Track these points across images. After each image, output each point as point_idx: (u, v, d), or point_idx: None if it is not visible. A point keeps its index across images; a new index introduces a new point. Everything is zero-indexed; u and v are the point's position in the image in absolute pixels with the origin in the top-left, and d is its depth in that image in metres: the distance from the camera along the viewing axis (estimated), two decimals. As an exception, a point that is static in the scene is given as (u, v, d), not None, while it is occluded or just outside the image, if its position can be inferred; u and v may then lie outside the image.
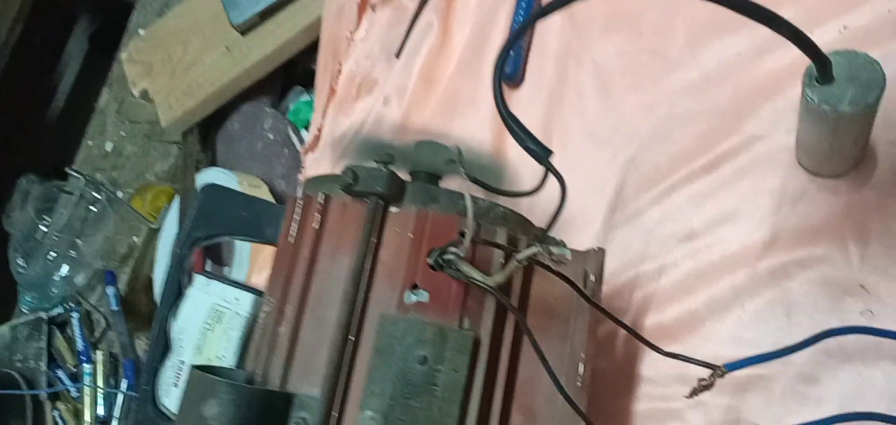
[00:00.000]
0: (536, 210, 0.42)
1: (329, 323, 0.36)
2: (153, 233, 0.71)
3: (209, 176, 0.64)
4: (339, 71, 0.62)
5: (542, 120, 0.54)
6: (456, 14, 0.59)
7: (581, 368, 0.39)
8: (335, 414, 0.35)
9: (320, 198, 0.39)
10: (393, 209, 0.38)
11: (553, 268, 0.39)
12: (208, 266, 0.66)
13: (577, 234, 0.51)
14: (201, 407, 0.33)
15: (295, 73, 0.71)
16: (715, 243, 0.46)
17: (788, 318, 0.43)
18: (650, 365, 0.46)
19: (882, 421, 0.37)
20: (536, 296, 0.41)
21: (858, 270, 0.42)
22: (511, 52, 0.55)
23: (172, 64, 0.68)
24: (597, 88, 0.53)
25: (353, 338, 0.36)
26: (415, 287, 0.37)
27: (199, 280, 0.49)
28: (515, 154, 0.54)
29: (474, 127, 0.55)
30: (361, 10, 0.61)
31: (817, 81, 0.36)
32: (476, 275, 0.35)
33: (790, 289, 0.44)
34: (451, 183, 0.40)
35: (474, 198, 0.39)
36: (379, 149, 0.41)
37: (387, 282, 0.37)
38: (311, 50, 0.65)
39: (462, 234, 0.37)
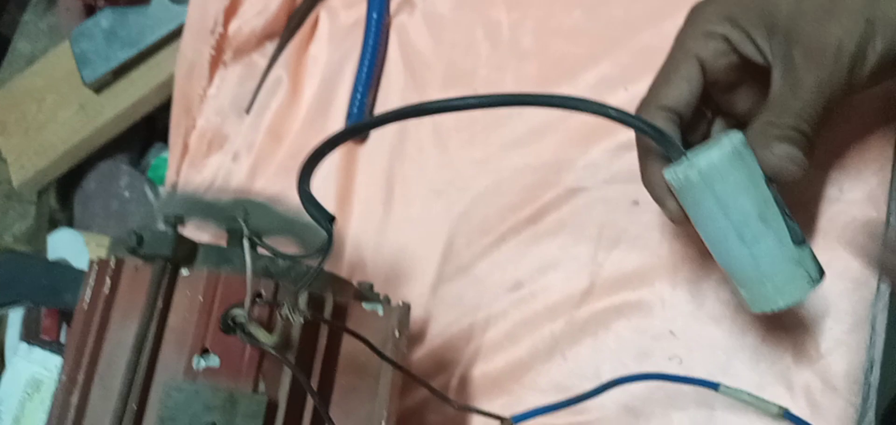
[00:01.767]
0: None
1: (114, 392, 0.35)
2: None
3: (58, 237, 0.62)
4: (193, 127, 0.62)
5: (385, 174, 0.54)
6: (305, 69, 0.60)
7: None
8: (115, 486, 0.34)
9: (112, 262, 0.38)
10: (183, 272, 0.37)
11: (350, 329, 0.39)
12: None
13: (413, 286, 0.51)
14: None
15: (155, 129, 0.70)
16: (539, 292, 0.47)
17: (602, 365, 0.44)
18: (480, 420, 0.46)
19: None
20: (346, 355, 0.41)
21: (668, 316, 0.44)
22: (355, 110, 0.56)
23: (26, 122, 0.66)
24: (435, 143, 0.54)
25: (135, 407, 0.35)
26: (205, 351, 0.36)
27: (21, 347, 0.47)
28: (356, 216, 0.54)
29: (318, 181, 0.55)
30: (213, 66, 0.61)
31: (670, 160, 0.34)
32: (259, 335, 0.35)
33: (605, 338, 0.45)
34: (286, 245, 0.40)
35: (272, 258, 0.39)
36: (195, 207, 0.40)
37: (175, 347, 0.36)
38: (169, 105, 0.64)
39: (259, 296, 0.37)
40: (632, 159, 0.47)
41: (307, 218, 0.40)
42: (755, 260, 0.32)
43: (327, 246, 0.35)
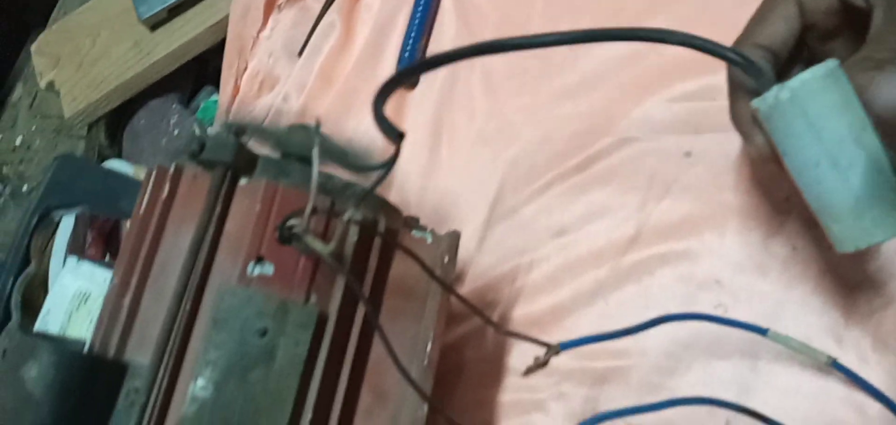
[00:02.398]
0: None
1: (167, 294, 0.36)
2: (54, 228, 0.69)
3: (109, 166, 0.63)
4: (245, 69, 0.63)
5: (433, 120, 0.55)
6: (359, 15, 0.60)
7: (429, 347, 0.39)
8: (164, 382, 0.34)
9: (172, 168, 0.39)
10: (242, 181, 0.38)
11: (404, 245, 0.39)
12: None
13: (461, 229, 0.51)
14: (21, 369, 0.32)
15: (207, 71, 0.71)
16: (583, 238, 0.47)
17: (646, 311, 0.43)
18: (518, 357, 0.47)
19: (711, 404, 0.38)
20: (394, 277, 0.41)
21: (715, 266, 0.43)
22: (406, 55, 0.56)
23: (80, 56, 0.68)
24: (484, 91, 0.54)
25: (189, 308, 0.35)
26: (259, 260, 0.37)
27: (70, 262, 0.48)
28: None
29: (367, 125, 0.56)
30: (267, 10, 0.62)
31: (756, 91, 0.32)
32: (315, 244, 0.35)
33: (650, 284, 0.45)
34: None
35: (329, 175, 0.40)
36: (254, 129, 0.41)
37: (230, 253, 0.37)
38: (221, 48, 0.65)
39: (315, 210, 0.37)
40: (685, 111, 0.47)
41: (359, 148, 0.40)
42: (851, 188, 0.30)
43: (393, 159, 0.35)
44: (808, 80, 0.30)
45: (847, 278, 0.41)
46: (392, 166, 0.35)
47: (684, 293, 0.43)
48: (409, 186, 0.54)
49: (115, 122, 0.72)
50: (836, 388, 0.40)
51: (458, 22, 0.56)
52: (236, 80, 0.63)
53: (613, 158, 0.48)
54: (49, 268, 0.51)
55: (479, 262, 0.50)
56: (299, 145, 0.40)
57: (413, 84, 0.56)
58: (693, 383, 0.42)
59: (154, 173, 0.39)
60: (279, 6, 0.62)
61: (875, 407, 0.39)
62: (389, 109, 0.57)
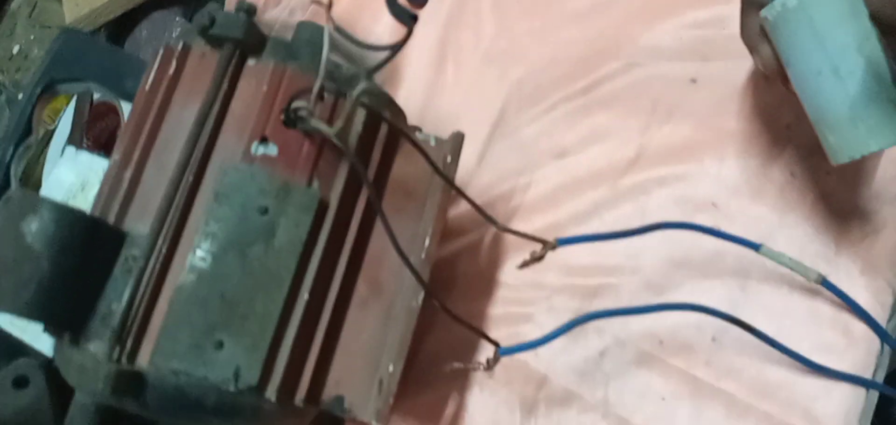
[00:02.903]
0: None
1: (170, 167, 0.36)
2: (50, 135, 0.69)
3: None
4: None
5: (440, 41, 0.55)
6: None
7: (427, 241, 0.39)
8: (163, 250, 0.35)
9: (180, 46, 0.38)
10: (250, 62, 0.38)
11: (410, 136, 0.39)
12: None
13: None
14: (21, 222, 0.32)
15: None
16: (584, 160, 0.48)
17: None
18: (509, 272, 0.47)
19: (701, 311, 0.39)
20: (396, 176, 0.41)
21: (712, 189, 0.44)
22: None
23: (82, -38, 0.67)
24: (493, 11, 0.54)
25: (191, 181, 0.35)
26: (264, 140, 0.37)
27: (68, 151, 0.48)
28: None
29: (380, 29, 0.56)
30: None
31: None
32: (320, 125, 0.35)
33: (646, 203, 0.45)
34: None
35: (337, 64, 0.40)
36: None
37: (235, 131, 0.37)
38: (226, -37, 0.64)
39: (321, 96, 0.37)
40: (694, 38, 0.47)
41: (367, 42, 0.40)
42: (850, 96, 0.31)
43: (404, 40, 0.35)
44: None
45: (841, 205, 0.41)
46: (402, 45, 0.36)
47: (680, 213, 0.44)
48: (412, 103, 0.54)
49: (117, 34, 0.71)
50: (824, 309, 0.40)
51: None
52: (242, -8, 0.62)
53: (619, 82, 0.48)
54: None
55: (479, 180, 0.50)
56: (309, 34, 0.40)
57: (421, 3, 0.56)
58: (684, 299, 0.43)
59: (161, 51, 0.39)
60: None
61: (860, 327, 0.40)
62: (395, 28, 0.57)
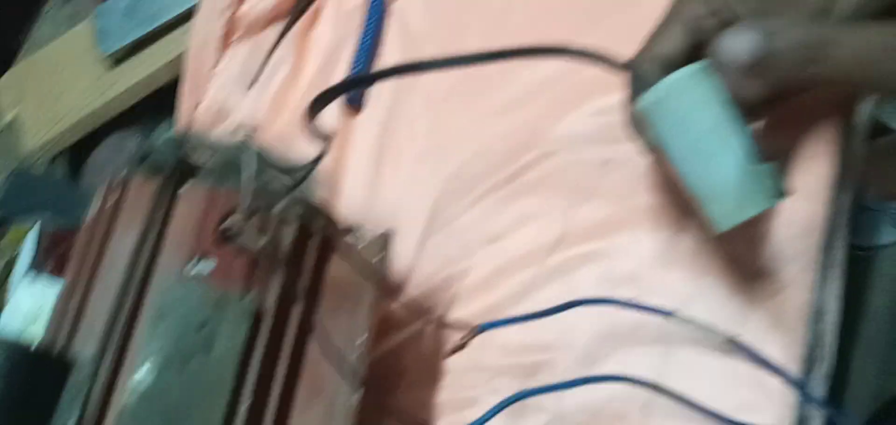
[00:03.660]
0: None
1: (113, 291, 0.39)
2: (12, 262, 0.71)
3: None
4: (200, 101, 0.66)
5: (378, 141, 0.58)
6: (308, 49, 0.64)
7: (359, 340, 0.41)
8: (106, 374, 0.37)
9: (121, 177, 0.41)
10: (185, 187, 0.41)
11: (337, 243, 0.42)
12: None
13: (400, 242, 0.54)
14: (-34, 361, 0.34)
15: (165, 106, 0.74)
16: (514, 244, 0.50)
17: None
18: (453, 358, 0.49)
19: (625, 381, 0.41)
20: (332, 278, 0.44)
21: (631, 263, 0.47)
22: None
23: (43, 92, 0.70)
24: (425, 112, 0.57)
25: (132, 303, 0.38)
26: (200, 257, 0.39)
27: (26, 278, 0.50)
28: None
29: (316, 149, 0.59)
30: (223, 44, 0.66)
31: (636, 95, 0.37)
32: (250, 241, 0.38)
33: (572, 281, 0.48)
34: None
35: (267, 182, 0.43)
36: (200, 144, 0.44)
37: (173, 252, 0.40)
38: (178, 84, 0.68)
39: (254, 212, 0.40)
40: (603, 123, 0.51)
41: (290, 158, 0.43)
42: (714, 176, 0.34)
43: (319, 158, 0.39)
44: (676, 79, 0.34)
45: (749, 266, 0.44)
46: (317, 163, 0.39)
47: (604, 289, 0.47)
48: (354, 203, 0.57)
49: (78, 157, 0.74)
50: (742, 368, 0.43)
51: (400, 50, 0.60)
52: (191, 113, 0.66)
53: (541, 169, 0.51)
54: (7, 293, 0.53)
55: (419, 272, 0.53)
56: (236, 156, 0.43)
57: (358, 108, 0.60)
58: (613, 370, 0.45)
59: (106, 183, 0.42)
60: (233, 41, 0.66)
61: (774, 381, 0.42)
62: (336, 132, 0.61)
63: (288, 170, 0.42)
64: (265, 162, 0.41)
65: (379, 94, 0.60)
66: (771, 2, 0.36)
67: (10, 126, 0.72)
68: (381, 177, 0.57)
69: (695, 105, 0.34)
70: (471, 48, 0.57)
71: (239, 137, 0.44)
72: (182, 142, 0.41)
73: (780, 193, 0.35)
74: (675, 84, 0.34)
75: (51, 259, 0.56)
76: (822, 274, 0.46)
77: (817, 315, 0.45)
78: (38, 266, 0.54)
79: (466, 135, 0.55)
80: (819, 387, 0.47)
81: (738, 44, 0.34)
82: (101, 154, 0.72)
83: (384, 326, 0.52)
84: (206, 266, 0.39)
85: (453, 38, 0.58)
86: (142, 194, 0.41)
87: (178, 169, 0.40)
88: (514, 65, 0.55)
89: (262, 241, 0.37)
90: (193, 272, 0.39)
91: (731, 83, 0.35)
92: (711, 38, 0.38)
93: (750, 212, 0.34)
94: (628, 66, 0.36)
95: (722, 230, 0.36)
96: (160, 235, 0.40)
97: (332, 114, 0.59)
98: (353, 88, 0.50)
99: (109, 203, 0.41)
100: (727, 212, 0.35)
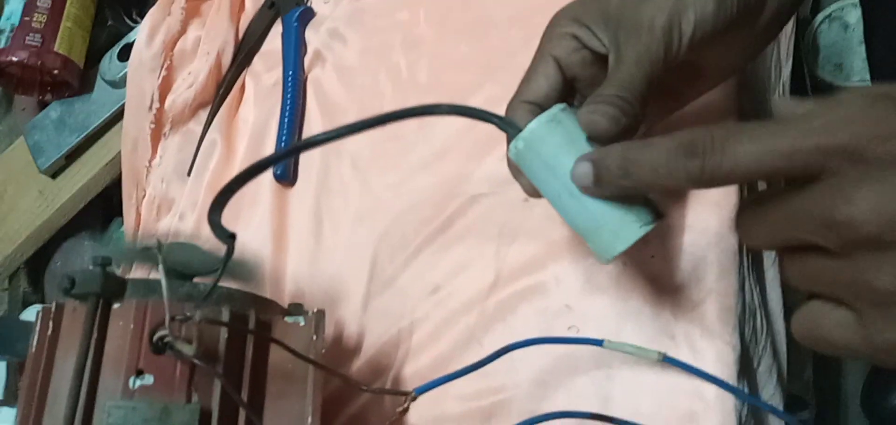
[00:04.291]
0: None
1: (60, 418, 0.40)
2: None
3: (29, 313, 0.66)
4: (143, 197, 0.67)
5: (314, 210, 0.60)
6: (236, 130, 0.66)
7: (307, 422, 0.43)
8: (64, 503, 0.38)
9: (53, 306, 0.43)
10: (115, 305, 0.42)
11: (272, 335, 0.44)
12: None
13: (347, 305, 0.55)
14: None
15: (112, 205, 0.75)
16: (454, 291, 0.52)
17: (510, 347, 0.48)
18: (414, 414, 0.50)
19: (567, 417, 0.42)
20: (274, 364, 0.45)
21: (562, 294, 0.48)
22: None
23: (-10, 217, 0.72)
24: (354, 176, 0.59)
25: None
26: (140, 372, 0.41)
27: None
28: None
29: (255, 227, 0.61)
30: (154, 139, 0.67)
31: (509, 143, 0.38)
32: (183, 348, 0.39)
33: (512, 321, 0.49)
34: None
35: (194, 285, 0.44)
36: (130, 253, 0.45)
37: (113, 371, 0.41)
38: (121, 182, 0.69)
39: (183, 318, 0.42)
40: (520, 162, 0.53)
41: (207, 256, 0.44)
42: (588, 212, 0.35)
43: (226, 259, 0.40)
44: (534, 127, 0.36)
45: (670, 281, 0.46)
46: (225, 264, 0.40)
47: (542, 323, 0.48)
48: (300, 273, 0.59)
49: (36, 269, 0.75)
50: (680, 381, 0.44)
51: (323, 120, 0.62)
52: (137, 208, 0.67)
53: (468, 216, 0.53)
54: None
55: (371, 333, 0.54)
56: (153, 265, 0.44)
57: (291, 182, 0.61)
58: (562, 403, 0.46)
59: (40, 313, 0.43)
60: (164, 134, 0.67)
61: (712, 389, 0.44)
62: (274, 204, 0.62)
63: (215, 266, 0.43)
64: (189, 264, 0.43)
65: (309, 164, 0.61)
66: (624, 30, 0.37)
67: (-38, 253, 0.73)
68: (322, 244, 0.58)
69: (557, 148, 0.35)
70: (386, 103, 0.61)
71: (156, 244, 0.45)
72: (104, 262, 0.42)
73: (654, 217, 0.35)
74: (535, 131, 0.36)
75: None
76: (749, 272, 0.48)
77: (748, 315, 0.46)
78: (8, 396, 0.55)
79: (394, 193, 0.57)
80: (768, 382, 0.49)
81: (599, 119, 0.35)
82: (57, 262, 0.73)
83: (344, 394, 0.53)
84: (146, 379, 0.40)
85: (372, 102, 0.60)
86: (76, 319, 0.42)
87: (106, 289, 0.41)
88: (429, 120, 0.57)
89: (192, 349, 0.39)
90: (136, 387, 0.40)
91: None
92: (579, 73, 0.40)
93: (626, 243, 0.35)
94: (496, 119, 0.37)
95: (605, 261, 0.36)
96: (98, 357, 0.41)
97: (266, 191, 0.61)
98: (247, 180, 0.51)
99: (47, 332, 0.42)
100: (606, 246, 0.35)
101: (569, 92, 0.40)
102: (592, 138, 0.36)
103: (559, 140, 0.35)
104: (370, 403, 0.52)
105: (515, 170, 0.40)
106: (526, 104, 0.39)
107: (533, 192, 0.40)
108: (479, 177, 0.53)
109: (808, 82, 1.08)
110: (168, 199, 0.66)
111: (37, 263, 0.75)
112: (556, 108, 0.36)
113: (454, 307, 0.52)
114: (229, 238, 0.40)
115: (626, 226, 0.35)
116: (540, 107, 0.39)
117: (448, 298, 0.52)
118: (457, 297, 0.52)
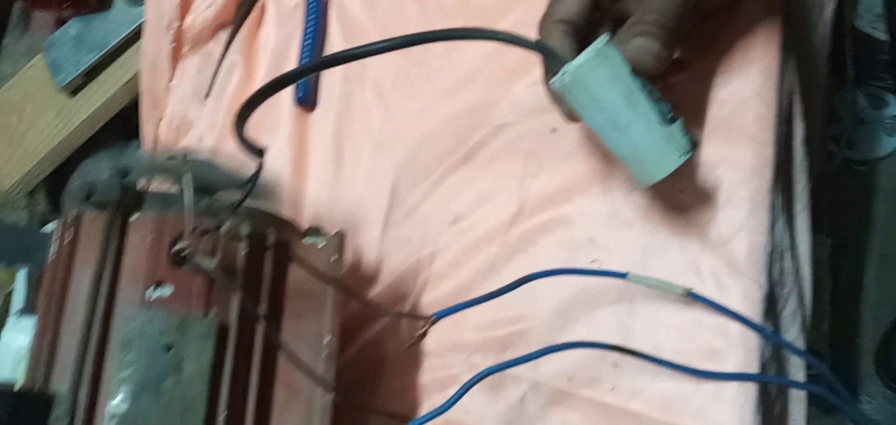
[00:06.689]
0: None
1: (78, 326, 0.39)
2: (8, 297, 0.72)
3: (49, 229, 0.66)
4: (161, 117, 0.66)
5: (334, 137, 0.59)
6: (257, 52, 0.64)
7: (325, 340, 0.42)
8: (84, 405, 0.38)
9: (72, 215, 0.42)
10: (133, 217, 0.41)
11: (293, 252, 0.43)
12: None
13: (366, 233, 0.55)
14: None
15: (130, 127, 0.74)
16: (476, 222, 0.51)
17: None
18: (430, 339, 0.50)
19: (589, 347, 0.42)
20: (294, 283, 0.45)
21: (588, 226, 0.47)
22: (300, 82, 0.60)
23: (9, 132, 0.71)
24: (377, 103, 0.58)
25: (98, 335, 0.39)
26: (158, 284, 0.40)
27: (11, 319, 0.52)
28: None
29: (273, 152, 0.60)
30: (173, 59, 0.66)
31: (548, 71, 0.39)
32: (203, 261, 0.39)
33: (535, 252, 0.49)
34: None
35: (214, 198, 0.43)
36: (150, 166, 0.45)
37: (131, 282, 0.40)
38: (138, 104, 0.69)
39: (205, 230, 0.41)
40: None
41: (230, 170, 0.43)
42: (631, 142, 0.37)
43: (256, 175, 0.39)
44: (582, 62, 0.36)
45: (699, 215, 0.45)
46: (256, 180, 0.39)
47: (565, 256, 0.47)
48: (319, 200, 0.58)
49: (54, 188, 0.75)
50: (703, 318, 0.44)
51: (345, 43, 0.60)
52: (155, 129, 0.66)
53: (492, 145, 0.52)
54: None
55: (389, 261, 0.54)
56: (177, 178, 0.44)
57: (311, 106, 0.60)
58: (581, 334, 0.46)
59: (59, 223, 0.43)
60: (183, 55, 0.66)
61: (736, 327, 0.43)
62: (293, 130, 0.61)
63: (236, 183, 0.42)
64: (209, 180, 0.42)
65: (330, 89, 0.60)
66: None
67: (-19, 171, 0.73)
68: (342, 171, 0.58)
69: (603, 82, 0.36)
70: (411, 24, 0.59)
71: (179, 157, 0.44)
72: (124, 172, 0.41)
73: (692, 146, 0.37)
74: (582, 66, 0.36)
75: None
76: (780, 213, 0.47)
77: (777, 255, 0.45)
78: (28, 305, 0.55)
79: (419, 119, 0.56)
80: (791, 326, 0.48)
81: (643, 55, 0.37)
82: (76, 182, 0.73)
83: (361, 320, 0.53)
84: (164, 290, 0.40)
85: (396, 24, 0.58)
86: (94, 229, 0.41)
87: (125, 200, 0.41)
88: (455, 46, 0.55)
89: (214, 263, 0.38)
90: (154, 298, 0.40)
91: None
92: None
93: (666, 171, 0.37)
94: (537, 45, 0.36)
95: (646, 185, 0.39)
96: (116, 267, 0.40)
97: (286, 116, 0.60)
98: (271, 93, 0.49)
99: (66, 242, 0.42)
100: (648, 173, 0.38)
101: (596, 7, 0.39)
102: (637, 73, 0.36)
103: (605, 74, 0.36)
104: (387, 330, 0.52)
105: (557, 97, 0.39)
106: (558, 24, 0.38)
107: (572, 119, 0.39)
108: (505, 106, 0.52)
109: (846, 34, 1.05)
110: (187, 121, 0.65)
111: (55, 182, 0.75)
112: (601, 41, 0.36)
113: (475, 237, 0.51)
114: (258, 153, 0.39)
115: (667, 156, 0.37)
116: (572, 26, 0.38)
117: (469, 228, 0.51)
118: (479, 228, 0.51)
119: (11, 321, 0.51)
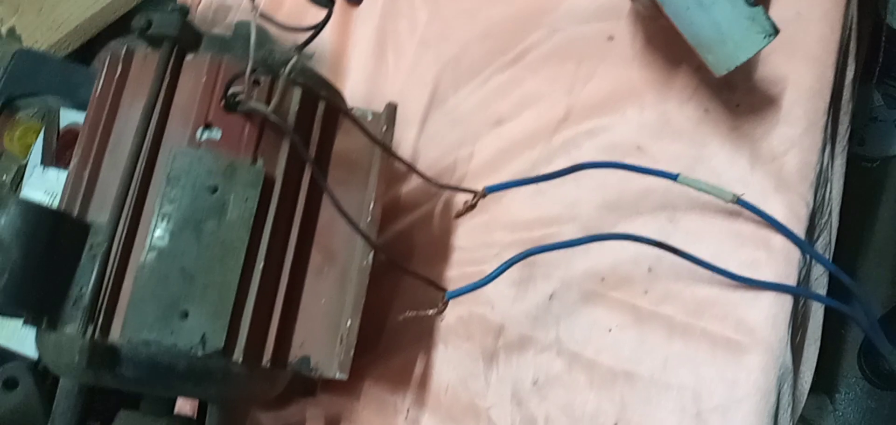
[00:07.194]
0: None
1: (123, 159, 0.39)
2: (23, 170, 0.71)
3: (70, 115, 0.65)
4: (200, 3, 0.65)
5: (378, 32, 0.58)
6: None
7: (371, 206, 0.42)
8: (124, 234, 0.37)
9: (123, 51, 0.41)
10: (189, 57, 0.41)
11: (344, 109, 0.42)
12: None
13: (403, 129, 0.54)
14: (-11, 219, 0.35)
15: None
16: (519, 125, 0.51)
17: (576, 179, 0.47)
18: (462, 235, 0.50)
19: (633, 240, 0.42)
20: (338, 150, 0.44)
21: (635, 134, 0.47)
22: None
23: (40, 2, 0.70)
24: (425, 1, 0.57)
25: (143, 169, 0.38)
26: (208, 126, 0.40)
27: (36, 170, 0.51)
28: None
29: (314, 42, 0.59)
30: (220, -63, 0.65)
31: None
32: (257, 105, 0.38)
33: (578, 156, 0.48)
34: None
35: (270, 50, 0.42)
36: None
37: (180, 120, 0.40)
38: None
39: (257, 82, 0.40)
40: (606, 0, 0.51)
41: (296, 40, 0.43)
42: (715, 22, 0.37)
43: (324, 22, 0.38)
44: None
45: (751, 132, 0.44)
46: (323, 26, 0.38)
47: (610, 159, 0.47)
48: (358, 92, 0.57)
49: (82, 62, 0.74)
50: (745, 228, 0.44)
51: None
52: (197, 6, 0.65)
53: (544, 48, 0.51)
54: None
55: (425, 157, 0.53)
56: (241, 28, 0.43)
57: (357, 1, 0.59)
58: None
59: (108, 57, 0.42)
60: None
61: (779, 240, 0.43)
62: (336, 23, 0.60)
63: (289, 43, 0.41)
64: (267, 32, 0.41)
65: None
66: None
67: (8, 36, 0.71)
68: (383, 67, 0.57)
69: None
70: None
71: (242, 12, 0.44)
72: (185, 11, 0.40)
73: (773, 32, 0.37)
74: None
75: (60, 159, 0.56)
76: (828, 140, 0.47)
77: (822, 180, 0.45)
78: (50, 158, 0.54)
79: (467, 19, 0.55)
80: (824, 253, 0.48)
81: None
82: (104, 57, 0.72)
83: (393, 209, 0.52)
84: (214, 133, 0.39)
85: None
86: (146, 66, 0.41)
87: (182, 36, 0.40)
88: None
89: (270, 107, 0.37)
90: (203, 139, 0.39)
91: None
92: None
93: (749, 53, 0.37)
94: None
95: (721, 73, 0.38)
96: (167, 105, 0.40)
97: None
98: None
99: (114, 76, 0.41)
100: (729, 55, 0.37)
101: None
102: None
103: None
104: (417, 223, 0.52)
105: None
106: None
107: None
108: (561, 12, 0.51)
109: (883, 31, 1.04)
110: (225, 6, 0.64)
111: (82, 58, 0.73)
112: None
113: (517, 139, 0.50)
114: (329, 2, 0.38)
115: (751, 36, 0.37)
116: None
117: (511, 131, 0.51)
118: (521, 130, 0.50)
119: (36, 172, 0.50)
